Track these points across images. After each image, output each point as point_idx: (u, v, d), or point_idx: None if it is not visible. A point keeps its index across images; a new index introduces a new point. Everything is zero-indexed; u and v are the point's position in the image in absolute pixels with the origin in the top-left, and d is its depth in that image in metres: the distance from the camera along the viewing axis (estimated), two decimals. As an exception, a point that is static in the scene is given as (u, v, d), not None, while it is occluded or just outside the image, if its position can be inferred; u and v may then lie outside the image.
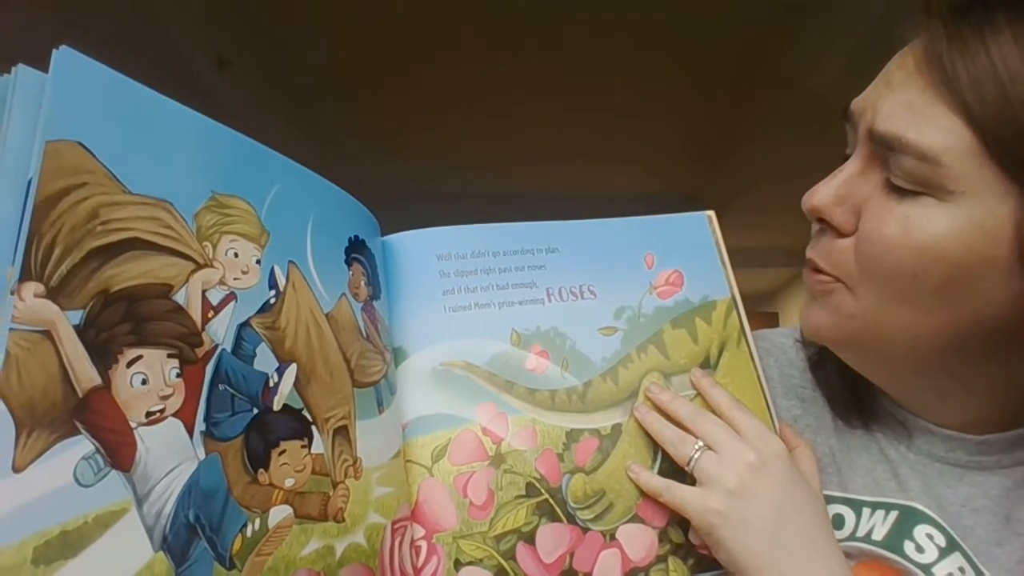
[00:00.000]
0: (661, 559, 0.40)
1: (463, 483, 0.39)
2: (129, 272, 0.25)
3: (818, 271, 0.39)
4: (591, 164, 3.24)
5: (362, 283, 0.39)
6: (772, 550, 0.35)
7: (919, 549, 0.40)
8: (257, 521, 0.28)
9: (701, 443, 0.39)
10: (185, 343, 0.27)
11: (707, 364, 0.45)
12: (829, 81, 2.20)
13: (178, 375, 0.26)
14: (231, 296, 0.29)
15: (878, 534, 0.42)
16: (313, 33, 2.22)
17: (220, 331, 0.28)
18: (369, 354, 0.38)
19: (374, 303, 0.40)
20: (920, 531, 0.41)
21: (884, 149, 0.35)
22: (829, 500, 0.43)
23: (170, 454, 0.25)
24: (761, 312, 5.53)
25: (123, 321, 0.24)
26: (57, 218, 0.23)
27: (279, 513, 0.29)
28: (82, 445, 0.22)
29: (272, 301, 0.32)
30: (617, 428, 0.42)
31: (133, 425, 0.24)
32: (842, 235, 0.38)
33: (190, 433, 0.26)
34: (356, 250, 0.39)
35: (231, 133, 0.31)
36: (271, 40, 2.27)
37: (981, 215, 0.32)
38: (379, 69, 2.44)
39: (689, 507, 0.38)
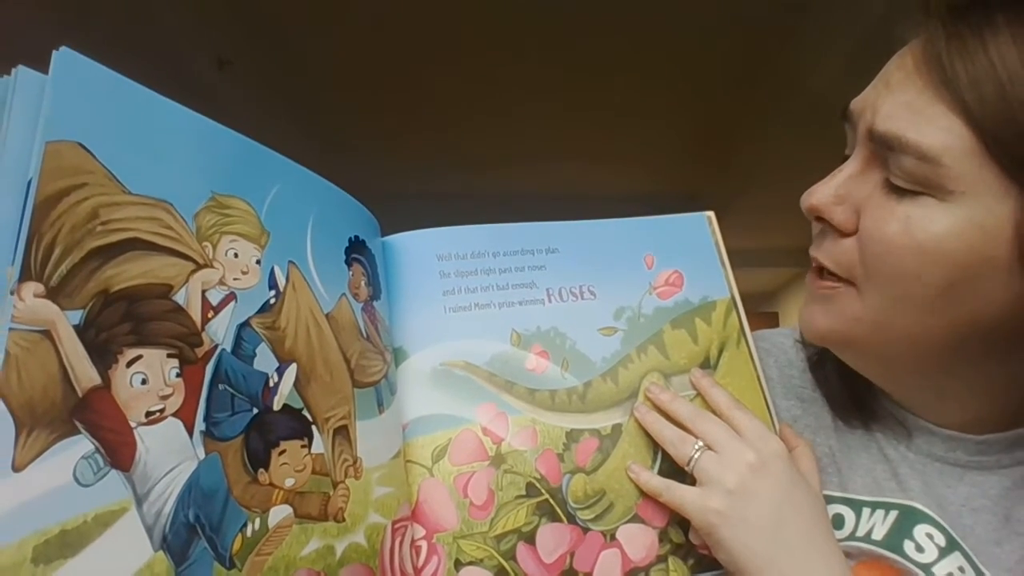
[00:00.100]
0: (661, 559, 0.40)
1: (463, 483, 0.39)
2: (129, 272, 0.25)
3: (823, 274, 0.39)
4: (591, 164, 3.24)
5: (362, 283, 0.39)
6: (772, 550, 0.35)
7: (919, 549, 0.40)
8: (257, 521, 0.28)
9: (701, 443, 0.39)
10: (185, 343, 0.27)
11: (707, 364, 0.45)
12: (829, 81, 2.20)
13: (178, 375, 0.26)
14: (231, 296, 0.29)
15: (878, 534, 0.42)
16: (313, 33, 2.22)
17: (220, 331, 0.28)
18: (369, 354, 0.38)
19: (374, 303, 0.40)
20: (920, 531, 0.41)
21: (884, 149, 0.35)
22: (829, 500, 0.43)
23: (170, 454, 0.25)
24: (761, 312, 5.53)
25: (123, 321, 0.24)
26: (57, 218, 0.23)
27: (279, 513, 0.29)
28: (82, 444, 0.22)
29: (272, 301, 0.32)
30: (617, 428, 0.42)
31: (133, 425, 0.24)
32: (844, 235, 0.38)
33: (190, 433, 0.26)
34: (356, 250, 0.39)
35: (231, 133, 0.31)
36: (271, 40, 2.27)
37: (981, 215, 0.32)
38: (379, 69, 2.44)
39: (689, 507, 0.38)
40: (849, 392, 0.45)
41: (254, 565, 0.27)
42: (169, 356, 0.26)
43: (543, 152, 3.12)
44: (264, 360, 0.30)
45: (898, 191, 0.34)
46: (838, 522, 0.43)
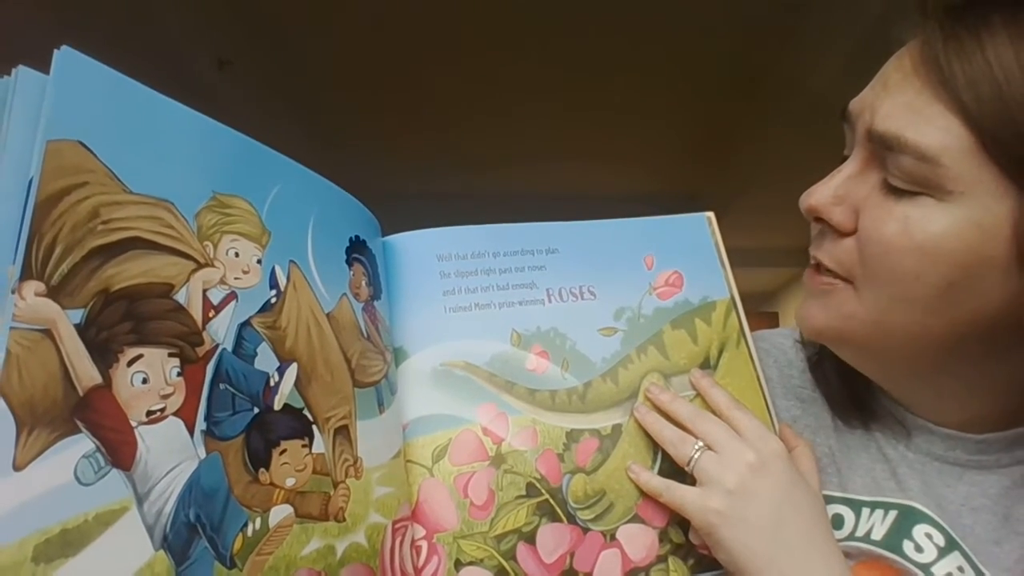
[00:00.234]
0: (661, 559, 0.40)
1: (464, 483, 0.39)
2: (130, 271, 0.25)
3: (821, 270, 0.40)
4: (591, 164, 3.24)
5: (363, 283, 0.39)
6: (772, 550, 0.36)
7: (918, 548, 0.41)
8: (258, 520, 0.28)
9: (701, 443, 0.39)
10: (186, 342, 0.27)
11: (707, 365, 0.45)
12: (828, 81, 2.20)
13: (179, 374, 0.26)
14: (232, 295, 0.29)
15: (877, 534, 0.42)
16: (313, 33, 2.22)
17: (221, 330, 0.28)
18: (370, 354, 0.38)
19: (375, 303, 0.40)
20: (919, 530, 0.41)
21: (883, 149, 0.35)
22: (829, 500, 0.43)
23: (171, 453, 0.25)
24: (761, 312, 5.53)
25: (124, 320, 0.24)
26: (58, 217, 0.23)
27: (280, 512, 0.29)
28: (83, 444, 0.22)
29: (273, 301, 0.32)
30: (617, 428, 0.42)
31: (134, 424, 0.24)
32: (843, 235, 0.38)
33: (191, 432, 0.26)
34: (357, 250, 0.39)
35: (232, 133, 0.31)
36: (271, 40, 2.27)
37: (979, 214, 0.32)
38: (379, 69, 2.44)
39: (689, 507, 0.38)
40: (848, 392, 0.46)
41: (255, 565, 0.28)
42: (170, 355, 0.26)
43: (543, 152, 3.12)
44: (265, 359, 0.30)
45: (897, 191, 0.35)
46: (837, 522, 0.43)
